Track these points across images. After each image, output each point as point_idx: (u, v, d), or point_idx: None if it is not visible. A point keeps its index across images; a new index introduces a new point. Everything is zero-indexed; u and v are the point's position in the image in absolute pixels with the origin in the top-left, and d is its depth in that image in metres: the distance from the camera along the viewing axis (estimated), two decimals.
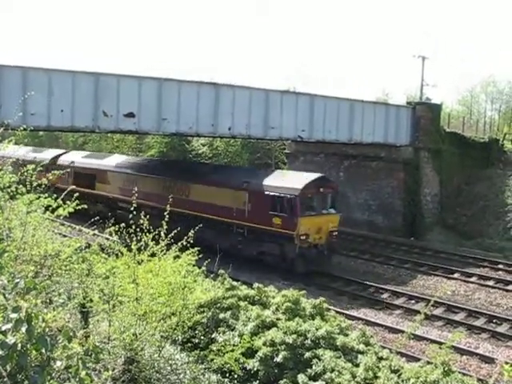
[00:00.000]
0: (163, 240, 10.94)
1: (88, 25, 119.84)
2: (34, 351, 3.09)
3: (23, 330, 2.98)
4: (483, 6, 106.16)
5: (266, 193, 24.33)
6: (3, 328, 2.95)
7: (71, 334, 3.35)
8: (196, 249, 11.67)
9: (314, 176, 24.90)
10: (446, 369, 11.26)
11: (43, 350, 3.09)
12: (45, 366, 3.09)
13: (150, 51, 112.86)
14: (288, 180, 24.85)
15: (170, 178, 30.08)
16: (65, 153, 43.14)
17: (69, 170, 36.82)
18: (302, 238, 22.93)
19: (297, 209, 23.03)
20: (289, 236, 23.06)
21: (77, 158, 40.05)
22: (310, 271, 23.38)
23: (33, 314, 3.04)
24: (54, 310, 4.13)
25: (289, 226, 23.04)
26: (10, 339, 2.95)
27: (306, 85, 53.43)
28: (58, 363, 3.19)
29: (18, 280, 3.42)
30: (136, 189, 11.08)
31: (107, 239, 11.73)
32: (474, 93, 64.63)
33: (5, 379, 2.65)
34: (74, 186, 10.03)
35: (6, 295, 3.39)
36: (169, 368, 10.81)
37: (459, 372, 12.24)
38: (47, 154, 42.05)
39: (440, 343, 13.93)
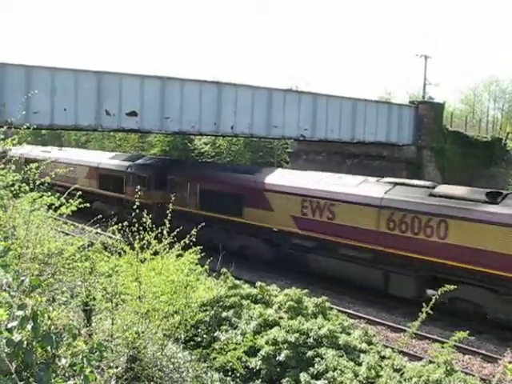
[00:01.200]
0: (166, 238, 10.97)
1: (91, 24, 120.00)
2: (39, 349, 3.10)
3: (29, 327, 3.00)
4: (485, 4, 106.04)
5: None
6: (9, 325, 2.97)
7: (76, 331, 3.37)
8: (198, 247, 11.70)
9: None
10: (449, 368, 11.28)
11: (48, 348, 3.11)
12: (50, 364, 3.11)
13: (153, 50, 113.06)
14: None
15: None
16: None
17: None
18: None
19: None
20: None
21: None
22: None
23: (38, 312, 3.06)
24: (58, 308, 4.15)
25: None
26: (16, 337, 2.96)
27: (309, 84, 53.27)
28: (63, 361, 3.21)
29: (24, 278, 3.43)
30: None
31: (110, 238, 11.75)
32: (477, 92, 64.58)
33: (12, 376, 2.67)
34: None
35: (11, 293, 3.40)
36: (171, 366, 10.83)
37: (462, 371, 12.25)
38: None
39: (442, 342, 13.92)
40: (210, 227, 24.13)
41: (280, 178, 24.82)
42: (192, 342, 13.21)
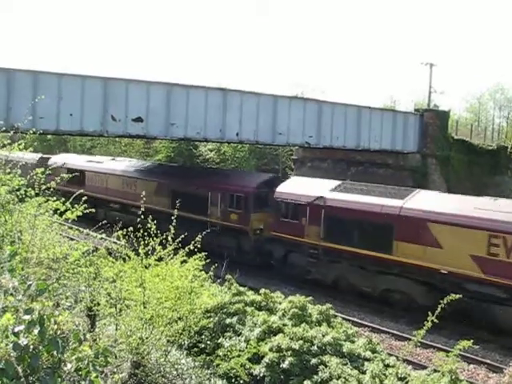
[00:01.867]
0: (170, 244, 10.98)
1: (97, 30, 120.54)
2: (45, 353, 3.11)
3: (36, 331, 3.00)
4: (491, 13, 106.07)
5: None
6: (16, 330, 2.97)
7: (82, 336, 3.37)
8: (203, 253, 11.70)
9: None
10: (454, 377, 11.19)
11: (54, 352, 3.11)
12: (56, 368, 3.11)
13: (159, 57, 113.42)
14: None
15: None
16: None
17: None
18: None
19: None
20: None
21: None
22: None
23: (45, 316, 3.06)
24: (63, 312, 4.15)
25: None
26: (23, 341, 2.97)
27: (314, 91, 53.36)
28: (69, 365, 3.21)
29: (31, 282, 3.44)
30: None
31: (115, 243, 11.76)
32: (482, 100, 64.48)
33: (21, 379, 2.67)
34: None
35: (18, 297, 3.41)
36: (175, 372, 10.82)
37: (467, 381, 12.17)
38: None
39: (447, 351, 13.85)
40: (337, 263, 22.17)
41: (448, 204, 19.99)
42: (196, 349, 13.18)
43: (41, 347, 3.05)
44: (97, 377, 3.17)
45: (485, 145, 39.05)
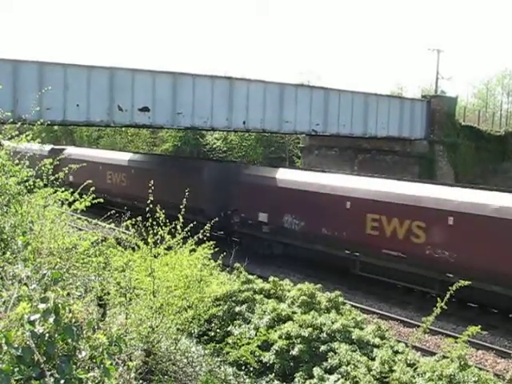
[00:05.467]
0: (179, 233, 11.02)
1: (103, 20, 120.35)
2: (60, 341, 3.15)
3: (51, 320, 3.04)
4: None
5: None
6: (32, 318, 3.02)
7: (95, 325, 3.42)
8: (212, 242, 11.75)
9: None
10: (462, 363, 11.24)
11: (69, 340, 3.15)
12: (71, 356, 3.15)
13: (164, 46, 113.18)
14: None
15: None
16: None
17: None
18: None
19: None
20: None
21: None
22: None
23: (60, 305, 3.10)
24: (77, 302, 4.20)
25: None
26: (39, 329, 3.01)
27: (320, 79, 53.10)
28: (83, 353, 3.26)
29: (45, 272, 3.48)
30: None
31: (124, 233, 11.82)
32: (490, 86, 63.96)
33: (41, 366, 2.72)
34: None
35: (31, 286, 3.45)
36: (185, 360, 10.91)
37: (475, 366, 12.20)
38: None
39: (456, 337, 13.88)
40: None
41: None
42: (205, 337, 13.28)
43: (56, 335, 3.09)
44: (111, 364, 3.22)
45: (493, 131, 38.82)
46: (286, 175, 24.22)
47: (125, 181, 32.50)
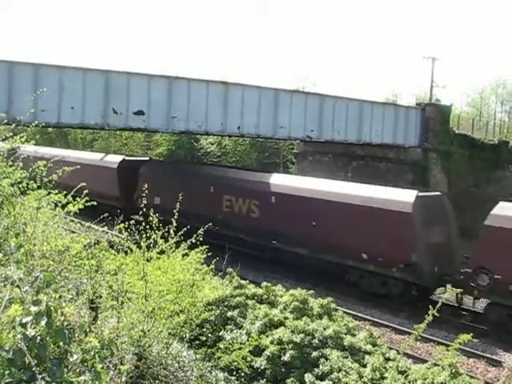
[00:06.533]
0: (172, 238, 10.99)
1: (99, 23, 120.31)
2: (51, 344, 3.13)
3: (43, 323, 3.03)
4: (493, 7, 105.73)
5: None
6: (23, 321, 3.00)
7: (87, 328, 3.40)
8: (205, 247, 11.72)
9: None
10: (453, 371, 11.25)
11: (61, 343, 3.14)
12: (62, 359, 3.14)
13: (160, 50, 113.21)
14: None
15: None
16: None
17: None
18: None
19: None
20: None
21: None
22: None
23: (52, 308, 3.09)
24: (69, 304, 4.19)
25: None
26: (30, 332, 2.99)
27: (316, 85, 53.18)
28: (75, 356, 3.24)
29: (38, 274, 3.47)
30: None
31: (117, 236, 11.77)
32: (484, 95, 64.28)
33: (32, 368, 2.70)
34: None
35: (23, 288, 3.43)
36: (176, 365, 10.86)
37: (466, 374, 12.22)
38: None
39: (447, 345, 13.91)
40: None
41: None
42: (197, 341, 13.24)
43: (48, 338, 3.07)
44: (102, 368, 3.20)
45: (486, 139, 38.99)
46: None
47: None
